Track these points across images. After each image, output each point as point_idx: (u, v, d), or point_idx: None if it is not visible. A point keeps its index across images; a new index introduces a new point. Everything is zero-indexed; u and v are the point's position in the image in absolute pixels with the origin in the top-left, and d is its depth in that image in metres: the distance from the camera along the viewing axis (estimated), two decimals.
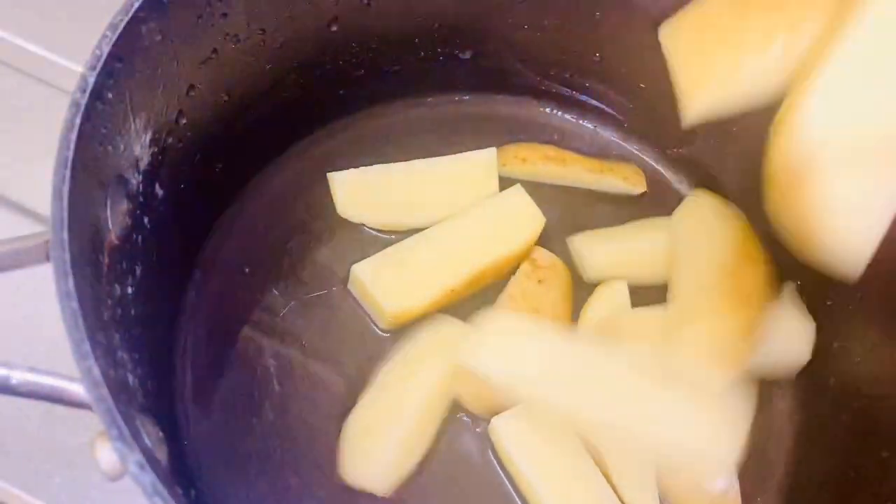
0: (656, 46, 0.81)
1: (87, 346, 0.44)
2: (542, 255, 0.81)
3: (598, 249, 0.83)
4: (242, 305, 0.79)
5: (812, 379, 0.80)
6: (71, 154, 0.50)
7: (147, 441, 0.49)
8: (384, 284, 0.78)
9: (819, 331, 0.79)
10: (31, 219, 0.86)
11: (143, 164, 0.63)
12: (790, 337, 0.76)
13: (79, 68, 0.53)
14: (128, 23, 0.55)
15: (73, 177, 0.49)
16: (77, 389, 0.46)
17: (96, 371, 0.44)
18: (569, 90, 0.90)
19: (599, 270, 0.82)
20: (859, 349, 0.75)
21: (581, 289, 0.82)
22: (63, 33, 0.93)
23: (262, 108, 0.79)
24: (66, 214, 0.48)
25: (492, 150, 0.86)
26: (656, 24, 0.78)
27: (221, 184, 0.79)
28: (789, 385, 0.81)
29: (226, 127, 0.75)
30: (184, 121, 0.68)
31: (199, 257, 0.80)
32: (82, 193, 0.51)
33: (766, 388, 0.80)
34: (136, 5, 0.55)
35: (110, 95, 0.55)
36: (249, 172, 0.83)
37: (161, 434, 0.54)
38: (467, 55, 0.88)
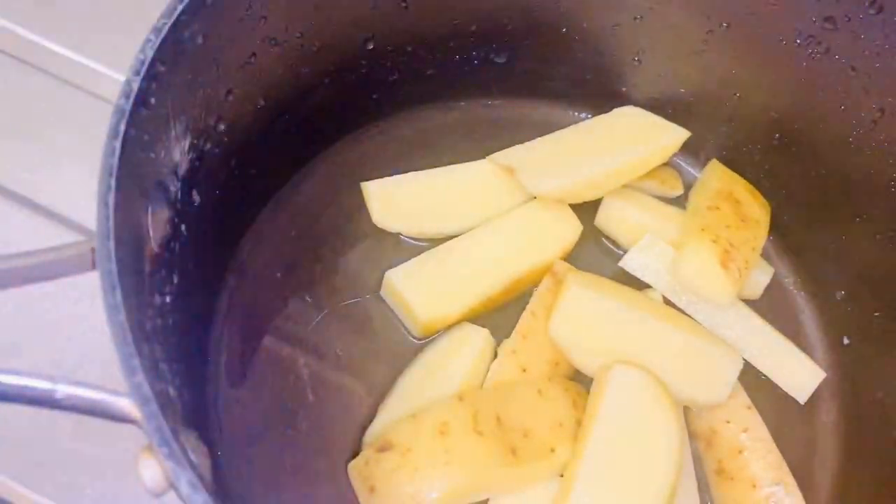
0: (700, 51, 0.80)
1: (135, 362, 0.43)
2: (562, 268, 0.79)
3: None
4: (275, 313, 0.78)
5: (859, 392, 0.78)
6: (116, 161, 0.48)
7: (193, 457, 0.48)
8: (418, 291, 0.76)
9: (868, 342, 0.78)
10: (61, 225, 0.84)
11: (181, 171, 0.62)
12: (710, 372, 0.74)
13: (110, 72, 0.52)
14: (171, 26, 0.54)
15: (117, 185, 0.48)
16: (123, 404, 0.44)
17: (146, 387, 0.42)
18: (603, 96, 0.88)
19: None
20: None
21: None
22: (92, 36, 0.91)
23: (296, 112, 0.77)
24: (111, 224, 0.46)
25: None
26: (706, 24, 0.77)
27: (255, 189, 0.78)
28: (834, 398, 0.79)
29: (261, 132, 0.74)
30: (221, 126, 0.67)
31: (232, 263, 0.79)
32: (126, 202, 0.49)
33: (809, 400, 0.78)
34: (180, 7, 0.54)
35: (153, 101, 0.53)
36: (283, 177, 0.82)
37: (205, 448, 0.53)
38: (502, 59, 0.87)
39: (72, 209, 0.84)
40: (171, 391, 0.55)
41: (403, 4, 0.76)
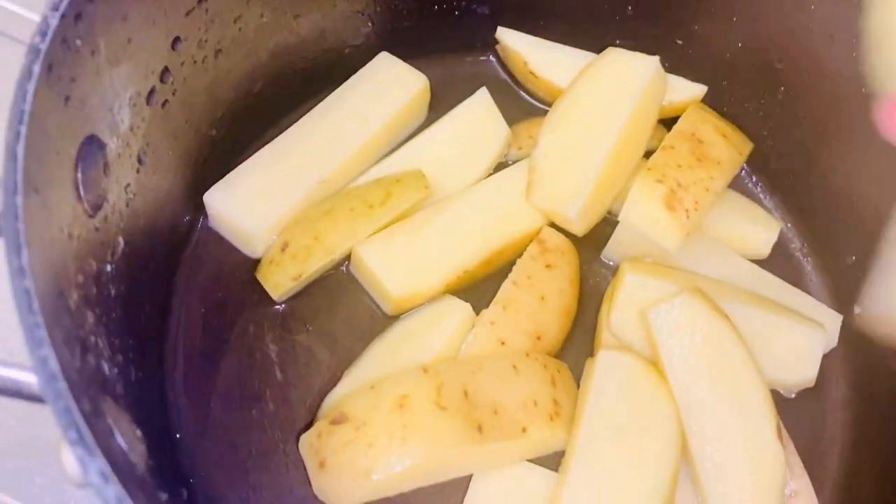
0: None
1: (41, 333, 0.37)
2: (551, 236, 0.73)
3: None
4: (240, 285, 0.72)
5: (870, 366, 0.72)
6: (28, 107, 0.42)
7: (121, 442, 0.42)
8: (389, 267, 0.70)
9: None
10: None
11: (123, 126, 0.56)
12: (796, 351, 0.69)
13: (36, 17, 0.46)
14: None
15: (30, 134, 0.42)
16: (32, 381, 0.38)
17: (53, 362, 0.37)
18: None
19: None
20: None
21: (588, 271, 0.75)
22: None
23: (266, 66, 0.72)
24: (20, 177, 0.41)
25: (483, 91, 0.79)
26: None
27: (218, 151, 0.72)
28: (843, 373, 0.74)
29: (219, 88, 0.68)
30: (170, 79, 0.61)
31: (195, 229, 0.73)
32: (42, 154, 0.44)
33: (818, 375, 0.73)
34: None
35: (78, 42, 0.47)
36: (251, 138, 0.76)
37: (139, 433, 0.47)
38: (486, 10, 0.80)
39: None
40: (107, 368, 0.50)
41: None
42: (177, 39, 0.60)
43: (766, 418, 0.64)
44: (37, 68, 0.43)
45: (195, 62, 0.63)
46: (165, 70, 0.60)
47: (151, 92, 0.59)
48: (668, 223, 0.69)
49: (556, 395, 0.65)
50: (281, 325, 0.71)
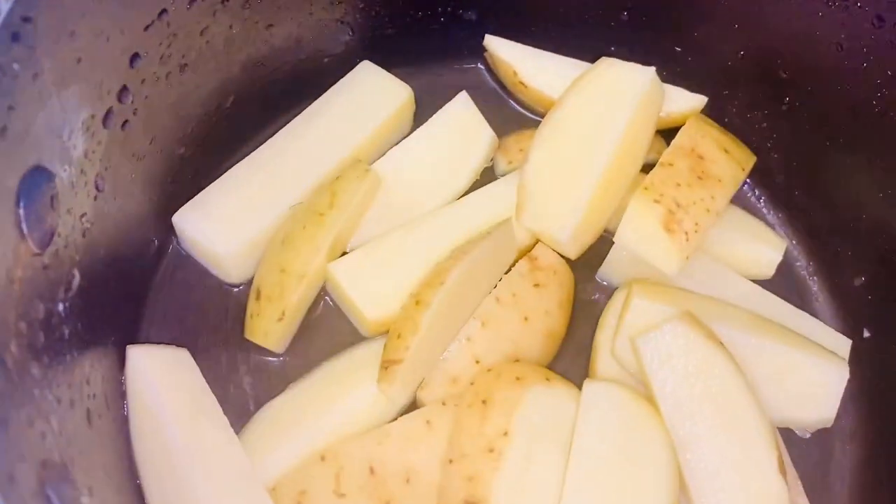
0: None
1: None
2: (545, 254, 0.69)
3: None
4: (213, 311, 0.68)
5: (882, 393, 0.68)
6: None
7: None
8: (365, 288, 0.66)
9: (892, 335, 0.68)
10: None
11: (75, 152, 0.51)
12: (813, 388, 0.65)
13: None
14: None
15: None
16: None
17: None
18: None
19: None
20: None
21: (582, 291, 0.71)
22: None
23: (237, 79, 0.67)
24: None
25: (463, 95, 0.75)
26: None
27: (187, 170, 0.67)
28: (853, 400, 0.69)
29: (186, 104, 0.63)
30: (130, 98, 0.56)
31: (165, 253, 0.69)
32: None
33: None
34: None
35: (16, 66, 0.43)
36: (223, 155, 0.71)
37: (86, 500, 0.43)
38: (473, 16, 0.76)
39: None
40: (56, 424, 0.45)
41: None
42: (135, 56, 0.55)
43: (767, 452, 0.60)
44: None
45: (158, 79, 0.59)
46: (124, 89, 0.55)
47: (108, 113, 0.54)
48: (666, 246, 0.65)
49: (490, 440, 0.59)
50: (255, 354, 0.67)
